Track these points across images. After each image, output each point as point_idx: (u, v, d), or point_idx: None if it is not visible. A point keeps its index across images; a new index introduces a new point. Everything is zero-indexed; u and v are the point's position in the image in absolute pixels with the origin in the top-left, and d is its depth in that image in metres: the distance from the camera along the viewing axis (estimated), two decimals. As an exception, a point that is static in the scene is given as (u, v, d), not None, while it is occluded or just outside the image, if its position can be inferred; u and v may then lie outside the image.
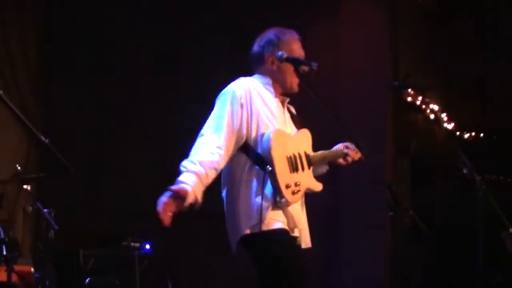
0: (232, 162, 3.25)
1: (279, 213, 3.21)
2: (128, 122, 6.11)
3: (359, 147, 3.55)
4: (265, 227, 3.16)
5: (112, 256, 5.34)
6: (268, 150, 3.16)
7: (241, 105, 3.23)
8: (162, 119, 6.06)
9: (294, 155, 3.28)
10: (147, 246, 5.41)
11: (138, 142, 6.06)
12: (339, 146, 3.60)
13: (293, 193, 3.21)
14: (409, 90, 6.08)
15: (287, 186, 3.18)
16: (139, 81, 6.09)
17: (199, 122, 5.42)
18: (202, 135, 3.22)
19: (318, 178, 3.47)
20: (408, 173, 6.47)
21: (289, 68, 3.30)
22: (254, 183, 3.18)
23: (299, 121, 3.49)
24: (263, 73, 3.38)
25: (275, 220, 3.19)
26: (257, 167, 3.19)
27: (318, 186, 3.46)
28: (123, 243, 5.35)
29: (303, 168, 3.32)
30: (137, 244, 5.37)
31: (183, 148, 5.80)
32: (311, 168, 3.40)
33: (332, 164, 3.62)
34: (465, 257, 5.39)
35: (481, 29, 6.48)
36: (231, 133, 3.20)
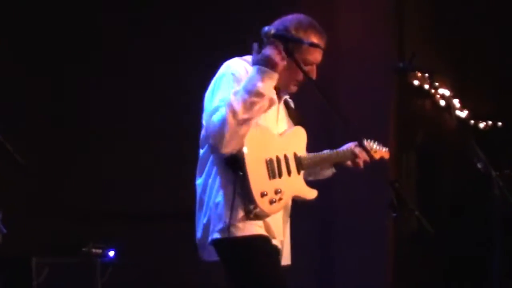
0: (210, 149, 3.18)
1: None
2: (91, 116, 6.14)
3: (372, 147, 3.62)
4: (240, 232, 3.10)
5: (69, 264, 5.26)
6: (241, 153, 3.07)
7: None
8: (128, 115, 6.10)
9: (277, 158, 3.20)
10: (111, 253, 5.36)
11: (102, 138, 6.07)
12: (349, 146, 3.54)
13: (271, 202, 3.13)
14: (416, 72, 5.98)
15: (263, 195, 3.10)
16: (104, 74, 6.13)
17: (169, 122, 5.77)
18: (219, 107, 3.04)
19: (312, 183, 3.43)
20: (414, 168, 6.42)
21: (293, 69, 3.20)
22: (229, 183, 3.11)
23: (297, 118, 3.44)
24: None
25: (253, 225, 3.13)
26: (229, 168, 3.10)
27: (310, 194, 3.39)
28: (83, 249, 5.29)
29: (289, 173, 3.25)
30: (100, 250, 5.32)
31: (151, 148, 6.01)
32: (302, 172, 3.34)
33: (340, 165, 3.58)
34: (479, 263, 5.39)
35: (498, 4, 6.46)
36: None
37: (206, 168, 3.20)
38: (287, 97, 3.40)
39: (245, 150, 3.08)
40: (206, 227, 3.16)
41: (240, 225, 3.09)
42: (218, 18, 6.03)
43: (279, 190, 3.17)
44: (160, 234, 5.71)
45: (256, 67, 3.08)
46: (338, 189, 5.61)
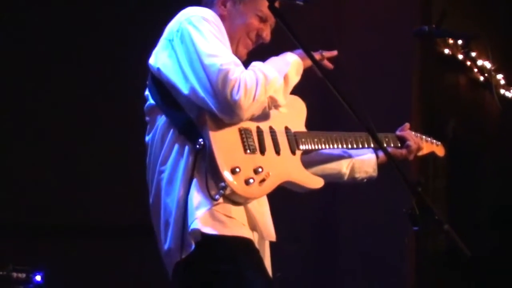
0: (162, 134, 3.22)
1: (230, 209, 3.15)
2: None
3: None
4: (207, 230, 3.05)
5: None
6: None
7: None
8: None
9: (258, 129, 3.25)
10: (38, 277, 5.34)
11: (28, 137, 6.19)
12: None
13: (247, 182, 3.13)
14: (447, 38, 6.13)
15: (234, 171, 3.11)
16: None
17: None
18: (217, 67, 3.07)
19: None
20: (444, 166, 6.50)
21: (247, 22, 3.37)
22: (186, 167, 3.12)
23: None
24: None
25: (230, 219, 3.12)
26: (185, 140, 3.14)
27: (311, 181, 3.40)
28: (1, 272, 5.26)
29: (277, 151, 3.29)
30: (23, 274, 5.33)
31: (86, 147, 6.16)
32: (298, 153, 3.39)
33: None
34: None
35: None
36: None
37: (174, 154, 3.20)
38: None
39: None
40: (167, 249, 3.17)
41: (211, 223, 3.07)
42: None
43: (260, 168, 3.17)
44: (102, 252, 5.77)
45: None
46: (342, 194, 5.70)
